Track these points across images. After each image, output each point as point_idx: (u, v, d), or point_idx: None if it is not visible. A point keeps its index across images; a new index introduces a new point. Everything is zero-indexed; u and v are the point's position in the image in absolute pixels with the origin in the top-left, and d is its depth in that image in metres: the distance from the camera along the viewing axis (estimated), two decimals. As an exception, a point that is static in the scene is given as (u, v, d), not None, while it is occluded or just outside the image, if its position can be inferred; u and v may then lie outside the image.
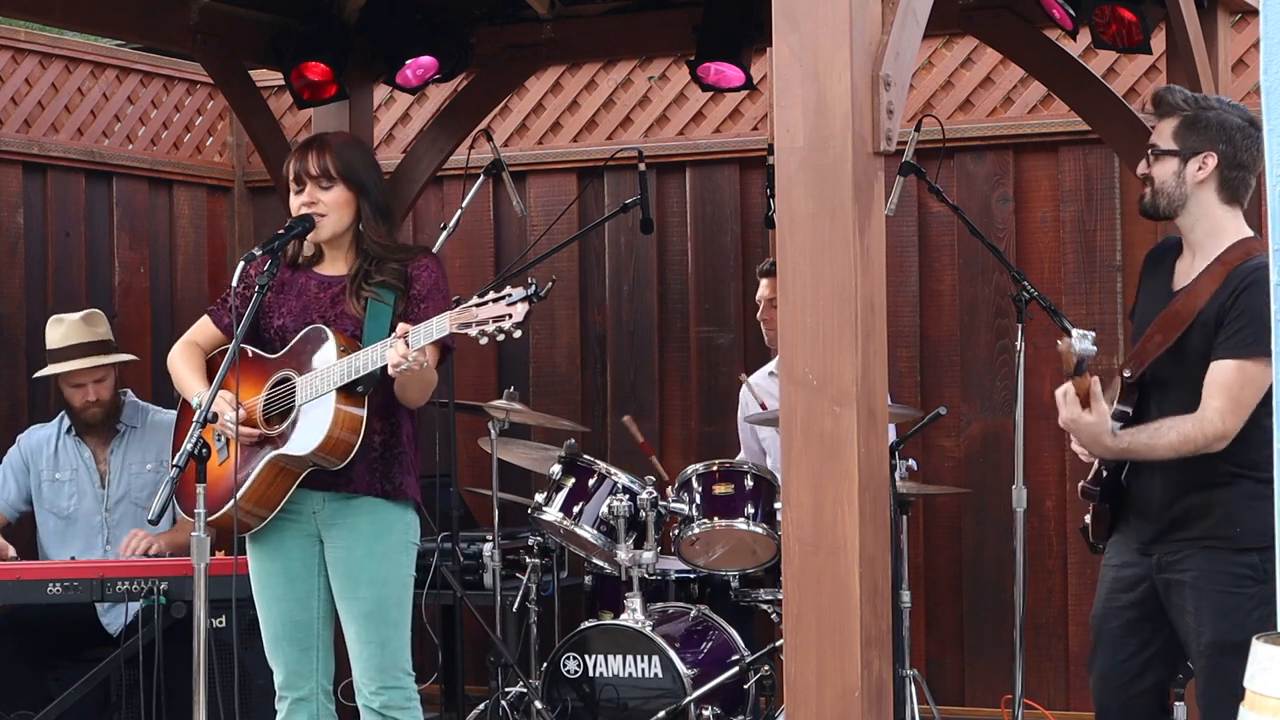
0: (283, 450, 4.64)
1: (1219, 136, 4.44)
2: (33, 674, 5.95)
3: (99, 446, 6.23)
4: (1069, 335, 4.33)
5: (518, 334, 4.34)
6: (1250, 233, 4.53)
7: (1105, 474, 4.58)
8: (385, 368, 4.51)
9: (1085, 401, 4.39)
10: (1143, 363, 4.48)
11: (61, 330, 6.18)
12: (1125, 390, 4.52)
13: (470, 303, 4.41)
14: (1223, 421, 4.32)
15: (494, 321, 4.33)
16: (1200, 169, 4.44)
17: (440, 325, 4.44)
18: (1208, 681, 4.38)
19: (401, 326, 4.49)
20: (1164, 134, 4.48)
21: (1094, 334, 4.34)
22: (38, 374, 6.35)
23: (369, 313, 4.67)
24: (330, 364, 4.59)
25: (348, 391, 4.58)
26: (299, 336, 4.71)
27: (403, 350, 4.44)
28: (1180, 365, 4.43)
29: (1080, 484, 4.64)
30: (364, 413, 4.61)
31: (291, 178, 4.77)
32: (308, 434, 4.60)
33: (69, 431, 6.25)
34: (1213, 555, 4.40)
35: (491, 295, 4.38)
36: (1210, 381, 4.35)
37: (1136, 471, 4.52)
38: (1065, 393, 4.43)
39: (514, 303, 4.33)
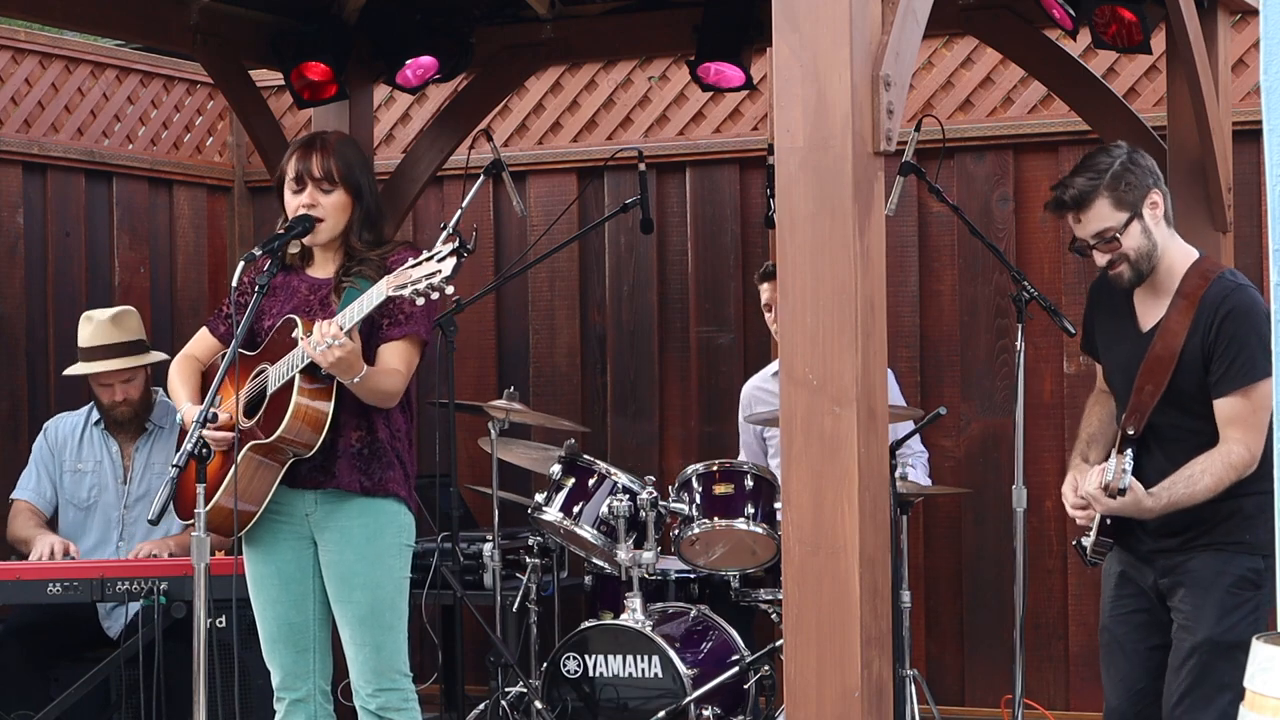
0: (256, 439, 4.65)
1: (1145, 174, 4.48)
2: (33, 674, 5.94)
3: (126, 442, 6.23)
4: (1122, 473, 4.36)
5: (449, 290, 4.39)
6: (1193, 251, 4.57)
7: (1109, 522, 4.57)
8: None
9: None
10: (1143, 416, 4.49)
11: (90, 330, 6.18)
12: (1124, 440, 4.52)
13: (404, 266, 4.47)
14: (1248, 449, 4.37)
15: (426, 279, 4.38)
16: (1154, 207, 4.48)
17: (379, 291, 4.49)
18: (1195, 680, 4.38)
19: (331, 320, 4.51)
20: (1104, 217, 4.44)
21: (1130, 466, 4.36)
22: (66, 371, 6.35)
23: (343, 301, 4.68)
24: (294, 349, 4.61)
25: (311, 374, 4.59)
26: (274, 330, 4.73)
27: (317, 336, 4.46)
28: (1172, 407, 4.47)
29: (1091, 543, 4.58)
30: (329, 393, 4.61)
31: (292, 177, 4.77)
32: (275, 419, 4.61)
33: (97, 423, 6.24)
34: (1220, 556, 4.43)
35: (424, 254, 4.45)
36: (1223, 418, 4.40)
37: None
38: (1093, 495, 4.42)
39: (443, 258, 4.40)
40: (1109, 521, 4.56)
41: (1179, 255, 4.53)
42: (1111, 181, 4.43)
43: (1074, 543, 4.74)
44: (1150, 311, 4.55)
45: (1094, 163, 4.50)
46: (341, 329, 4.48)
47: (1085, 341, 4.84)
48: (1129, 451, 4.40)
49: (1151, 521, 4.50)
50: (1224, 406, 4.39)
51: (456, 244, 4.42)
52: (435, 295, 4.40)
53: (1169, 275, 4.51)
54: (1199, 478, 4.37)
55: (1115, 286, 4.56)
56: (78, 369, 6.18)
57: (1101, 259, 4.49)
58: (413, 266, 4.43)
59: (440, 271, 4.38)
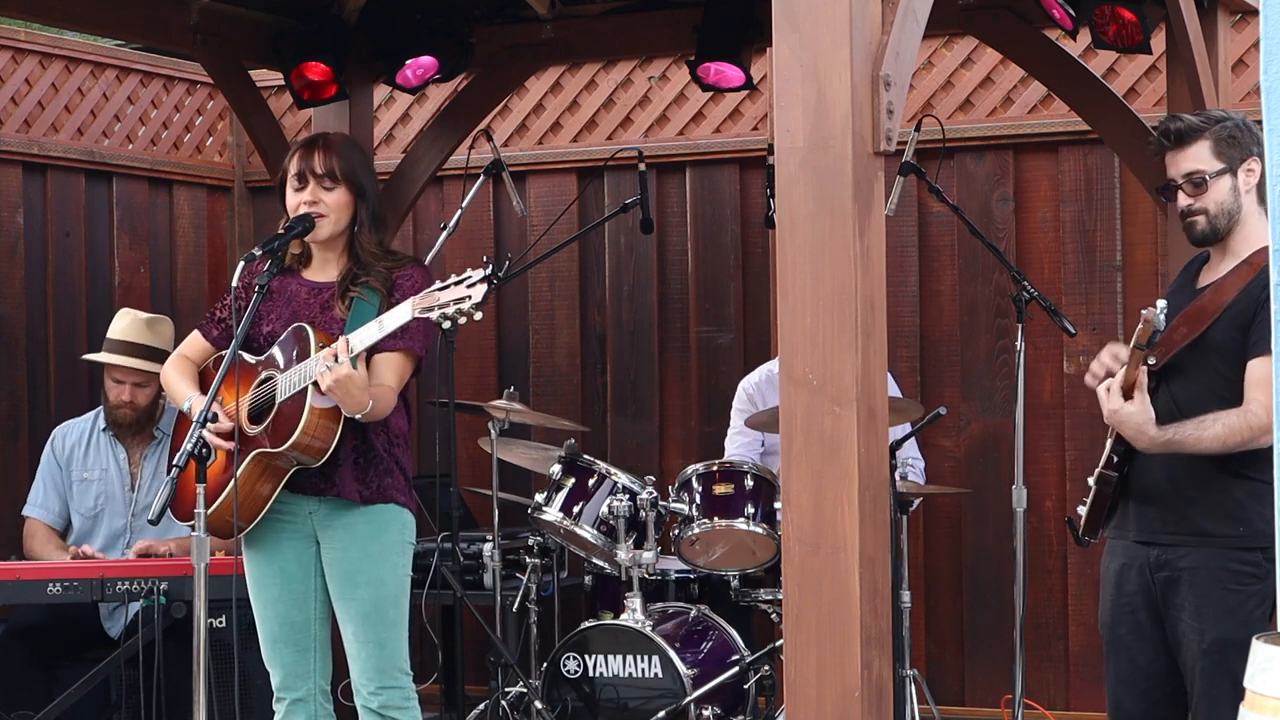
0: (263, 447, 4.64)
1: (1252, 140, 4.52)
2: (35, 674, 5.95)
3: (134, 449, 6.21)
4: (1153, 307, 4.25)
5: (478, 315, 4.36)
6: None
7: (1116, 459, 4.57)
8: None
9: (1129, 394, 4.37)
10: (1167, 352, 4.49)
11: (125, 323, 6.20)
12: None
13: (433, 288, 4.44)
14: (1268, 415, 4.33)
15: (455, 304, 4.36)
16: (1249, 173, 4.51)
17: (402, 313, 4.46)
18: (1210, 679, 4.37)
19: (343, 339, 4.50)
20: (1201, 157, 4.49)
21: (1166, 306, 4.30)
22: (86, 356, 6.38)
23: (352, 312, 4.67)
24: (307, 360, 4.59)
25: None
26: (283, 336, 4.72)
27: (326, 355, 4.46)
28: (1198, 355, 4.46)
29: (1098, 471, 4.58)
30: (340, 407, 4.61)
31: (294, 173, 4.77)
32: (285, 429, 4.60)
33: (105, 430, 6.23)
34: (1214, 552, 4.41)
35: (453, 279, 4.41)
36: (1252, 378, 4.37)
37: (1140, 463, 4.52)
38: (1109, 387, 4.41)
39: (473, 283, 4.36)
40: (1115, 457, 4.55)
41: (1258, 229, 4.52)
42: (1219, 129, 4.49)
43: (1067, 518, 4.72)
44: (1212, 273, 4.57)
45: (1208, 112, 4.62)
46: (351, 348, 4.47)
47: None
48: (1162, 303, 4.32)
49: (1139, 502, 4.51)
50: (1257, 367, 4.35)
51: (489, 270, 4.38)
52: (463, 321, 4.38)
53: (1244, 244, 4.51)
54: (1210, 425, 4.35)
55: (1187, 236, 4.58)
56: (101, 356, 6.17)
57: (1183, 202, 4.52)
58: (441, 289, 4.40)
59: (470, 297, 4.34)
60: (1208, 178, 4.48)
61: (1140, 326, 4.27)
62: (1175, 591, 4.46)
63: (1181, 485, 4.44)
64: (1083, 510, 4.65)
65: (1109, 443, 4.57)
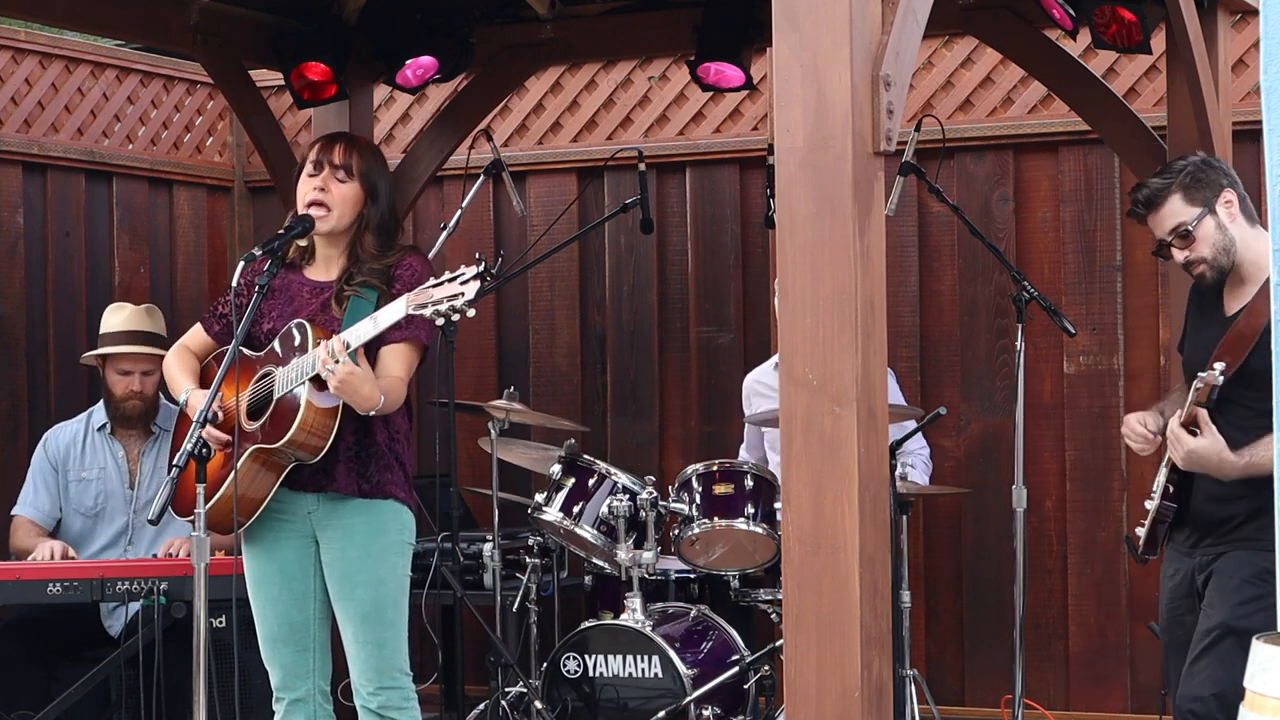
0: (260, 443, 4.64)
1: (1217, 175, 4.64)
2: (34, 672, 5.94)
3: (132, 446, 6.21)
4: (1213, 369, 4.40)
5: (471, 312, 4.38)
6: None
7: (1171, 489, 4.64)
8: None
9: (1193, 428, 4.47)
10: (1217, 386, 4.53)
11: (123, 316, 6.19)
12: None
13: (426, 285, 4.45)
14: None
15: (448, 300, 4.37)
16: (1228, 205, 4.61)
17: (395, 310, 4.46)
18: (1199, 653, 4.48)
19: (337, 338, 4.50)
20: (1177, 212, 4.61)
21: (1223, 365, 4.42)
22: (87, 355, 6.33)
23: (349, 309, 4.67)
24: (305, 355, 4.59)
25: (320, 382, 4.57)
26: (281, 332, 4.71)
27: (323, 357, 4.46)
28: (1242, 384, 4.51)
29: (1158, 502, 4.67)
30: (338, 403, 4.60)
31: (310, 160, 4.78)
32: (282, 425, 4.60)
33: (100, 429, 6.22)
34: (1246, 553, 4.51)
35: (447, 275, 4.42)
36: None
37: (1192, 487, 4.63)
38: (1174, 431, 4.51)
39: (466, 280, 4.38)
40: (1171, 487, 4.64)
41: (1256, 247, 4.60)
42: (1183, 179, 4.61)
43: (1125, 537, 4.82)
44: (1236, 299, 4.65)
45: (1168, 165, 4.75)
46: (347, 346, 4.47)
47: (1181, 342, 4.94)
48: (1220, 365, 4.40)
49: (1194, 522, 4.62)
50: None
51: (481, 267, 4.40)
52: (456, 317, 4.39)
53: (1255, 267, 4.59)
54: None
55: (1200, 286, 4.69)
56: (107, 350, 6.15)
57: (1180, 256, 4.63)
58: (434, 286, 4.41)
59: (463, 294, 4.36)
60: (1191, 227, 4.59)
61: (1200, 387, 4.39)
62: (1207, 586, 4.60)
63: (1231, 502, 4.54)
64: (1141, 531, 4.75)
65: (1164, 473, 4.67)
